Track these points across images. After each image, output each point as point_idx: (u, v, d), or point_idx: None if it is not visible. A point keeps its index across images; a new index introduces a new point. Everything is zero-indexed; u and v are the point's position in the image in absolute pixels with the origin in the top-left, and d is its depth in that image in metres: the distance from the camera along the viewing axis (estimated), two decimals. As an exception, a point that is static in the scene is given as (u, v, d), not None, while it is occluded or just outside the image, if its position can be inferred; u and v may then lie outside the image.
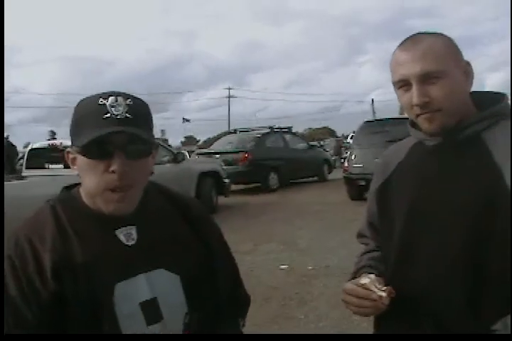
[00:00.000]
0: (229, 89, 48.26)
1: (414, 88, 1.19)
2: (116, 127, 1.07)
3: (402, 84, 1.23)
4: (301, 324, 4.04)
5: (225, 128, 27.56)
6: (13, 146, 14.34)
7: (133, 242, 1.17)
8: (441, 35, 1.25)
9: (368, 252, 1.46)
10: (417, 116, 1.23)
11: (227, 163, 12.26)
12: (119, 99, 1.11)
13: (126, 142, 1.09)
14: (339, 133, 35.62)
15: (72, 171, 1.18)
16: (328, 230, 7.73)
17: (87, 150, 1.10)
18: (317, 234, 7.57)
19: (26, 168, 8.45)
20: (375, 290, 1.19)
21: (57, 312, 1.07)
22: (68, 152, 1.18)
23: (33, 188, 6.39)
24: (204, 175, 9.89)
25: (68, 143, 1.17)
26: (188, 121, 31.91)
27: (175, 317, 1.17)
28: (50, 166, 8.00)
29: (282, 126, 16.31)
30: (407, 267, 1.26)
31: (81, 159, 1.12)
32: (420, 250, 1.25)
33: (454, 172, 1.23)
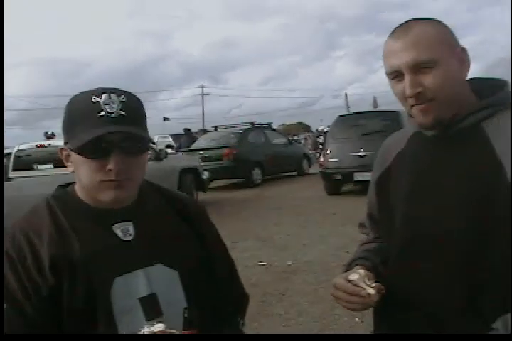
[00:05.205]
0: (202, 87, 47.53)
1: (407, 78, 1.14)
2: (111, 126, 1.06)
3: (394, 75, 1.17)
4: (281, 320, 4.03)
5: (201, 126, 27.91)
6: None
7: (130, 238, 1.17)
8: (435, 21, 1.18)
9: (365, 243, 1.43)
10: (411, 107, 1.17)
11: (212, 159, 12.33)
12: (113, 96, 1.09)
13: (122, 140, 1.09)
14: (314, 129, 35.35)
15: (63, 170, 1.14)
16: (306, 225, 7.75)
17: (83, 151, 1.08)
18: (295, 229, 7.56)
19: (13, 170, 8.30)
20: (365, 286, 1.16)
21: (55, 305, 1.07)
22: (62, 149, 1.16)
23: (21, 190, 6.31)
24: (185, 171, 10.00)
25: (58, 143, 1.24)
26: (168, 119, 32.25)
27: (174, 312, 1.13)
28: (39, 167, 7.94)
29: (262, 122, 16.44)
30: (407, 264, 1.23)
31: (76, 157, 1.11)
32: (419, 245, 1.21)
33: (452, 163, 1.18)
